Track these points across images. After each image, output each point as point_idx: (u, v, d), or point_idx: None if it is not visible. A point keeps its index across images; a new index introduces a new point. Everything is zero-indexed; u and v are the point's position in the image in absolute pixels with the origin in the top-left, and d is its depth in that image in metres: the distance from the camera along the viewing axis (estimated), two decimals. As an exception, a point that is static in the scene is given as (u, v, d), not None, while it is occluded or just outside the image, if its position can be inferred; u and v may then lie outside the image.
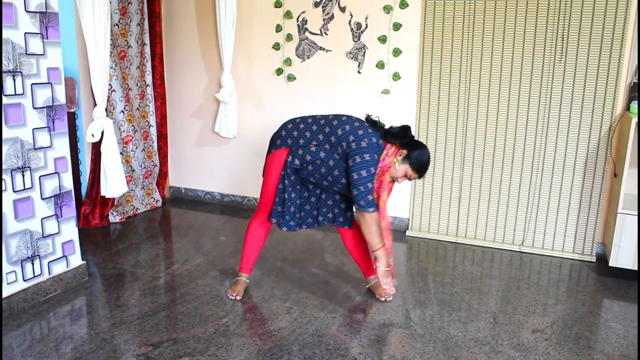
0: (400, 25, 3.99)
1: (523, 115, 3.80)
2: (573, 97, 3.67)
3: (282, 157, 2.84)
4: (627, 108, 3.57)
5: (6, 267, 2.82)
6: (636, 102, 3.42)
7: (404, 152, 2.78)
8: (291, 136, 2.83)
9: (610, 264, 3.45)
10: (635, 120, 3.22)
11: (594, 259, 3.80)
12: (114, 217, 4.35)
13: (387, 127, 2.86)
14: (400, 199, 4.28)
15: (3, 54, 2.67)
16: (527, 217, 3.94)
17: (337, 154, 2.73)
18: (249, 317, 2.90)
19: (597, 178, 3.71)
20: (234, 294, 3.09)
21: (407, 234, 4.25)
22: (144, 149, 4.67)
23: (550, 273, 3.59)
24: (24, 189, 2.87)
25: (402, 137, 2.78)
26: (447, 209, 4.14)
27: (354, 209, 2.96)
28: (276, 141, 2.88)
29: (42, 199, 2.99)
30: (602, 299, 3.23)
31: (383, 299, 3.09)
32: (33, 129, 2.87)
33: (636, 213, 3.33)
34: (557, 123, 3.74)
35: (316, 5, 4.21)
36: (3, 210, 2.77)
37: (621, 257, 3.41)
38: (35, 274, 3.00)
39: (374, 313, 2.97)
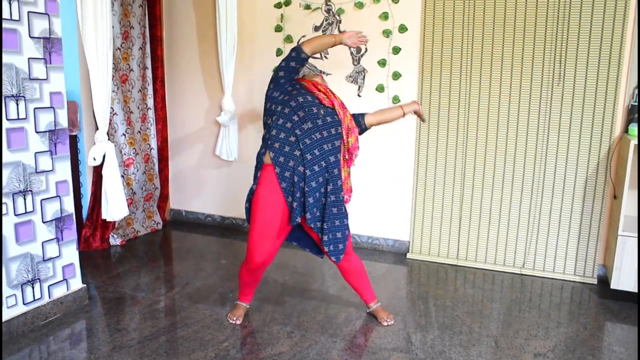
0: (400, 49, 4.04)
1: (522, 137, 3.82)
2: (572, 119, 3.69)
3: (267, 175, 2.82)
4: (626, 130, 3.59)
5: (6, 291, 2.82)
6: (635, 124, 3.44)
7: None
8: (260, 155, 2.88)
9: (612, 287, 3.44)
10: (634, 142, 3.24)
11: (595, 281, 3.79)
12: (114, 240, 4.35)
13: None
14: (401, 222, 4.29)
15: (7, 79, 2.70)
16: (528, 239, 3.93)
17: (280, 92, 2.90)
18: (249, 342, 2.89)
19: (597, 200, 3.72)
20: (234, 318, 3.08)
21: (407, 257, 4.24)
22: (145, 172, 4.68)
23: (551, 296, 3.58)
24: (25, 212, 2.88)
25: None
26: (447, 231, 4.13)
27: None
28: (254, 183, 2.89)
29: (43, 222, 2.99)
30: (604, 322, 3.21)
31: (385, 323, 3.08)
32: (35, 153, 2.89)
33: (637, 235, 3.33)
34: (557, 145, 3.76)
35: (316, 29, 4.26)
36: (4, 234, 2.77)
37: (623, 280, 3.40)
38: (36, 298, 2.99)
39: (374, 337, 2.95)
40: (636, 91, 3.51)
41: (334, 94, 2.95)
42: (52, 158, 3.00)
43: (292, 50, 2.88)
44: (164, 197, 4.95)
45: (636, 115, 3.49)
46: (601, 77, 3.58)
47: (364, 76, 4.18)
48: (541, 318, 3.23)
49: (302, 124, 2.77)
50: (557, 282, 3.82)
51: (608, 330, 3.13)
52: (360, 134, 3.02)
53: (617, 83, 3.55)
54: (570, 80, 3.66)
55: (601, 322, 3.22)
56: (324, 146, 2.79)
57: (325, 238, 2.86)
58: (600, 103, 3.61)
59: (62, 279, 3.16)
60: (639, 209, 3.35)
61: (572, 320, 3.22)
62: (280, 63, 2.91)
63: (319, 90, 2.91)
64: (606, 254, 3.77)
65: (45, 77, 2.91)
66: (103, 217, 3.60)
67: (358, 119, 3.05)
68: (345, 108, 2.96)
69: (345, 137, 2.89)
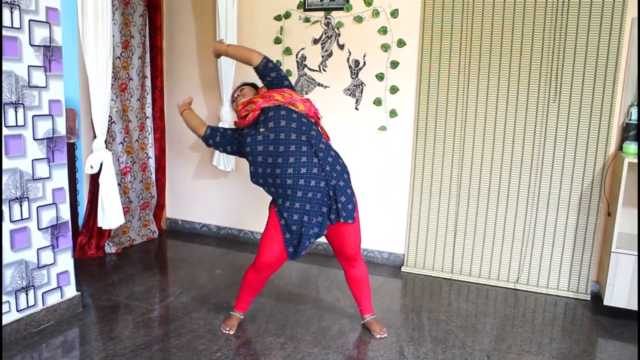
0: (398, 63, 4.07)
1: (518, 153, 3.85)
2: (567, 136, 3.72)
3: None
4: (620, 148, 3.62)
5: None
6: (629, 142, 3.46)
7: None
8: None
9: (605, 303, 3.45)
10: (627, 160, 3.26)
11: (588, 298, 3.80)
12: (110, 248, 4.35)
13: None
14: (396, 235, 4.30)
15: (6, 87, 2.72)
16: (522, 255, 3.95)
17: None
18: (242, 352, 2.89)
19: (592, 216, 3.74)
20: (228, 328, 3.08)
21: (402, 270, 4.25)
22: (141, 181, 4.69)
23: (545, 311, 3.59)
24: (21, 219, 2.89)
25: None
26: (442, 245, 4.15)
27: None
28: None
29: (39, 229, 3.00)
30: (596, 339, 3.22)
31: (378, 335, 3.08)
32: (33, 160, 2.90)
33: (630, 252, 3.34)
34: (552, 162, 3.78)
35: (315, 42, 4.29)
36: (-1, 240, 2.78)
37: (616, 296, 3.41)
38: (29, 305, 2.99)
39: (367, 350, 2.96)
40: (632, 109, 3.54)
41: (262, 94, 2.99)
42: (49, 165, 3.01)
43: (204, 140, 3.22)
44: (160, 206, 4.95)
45: (632, 133, 3.52)
46: (596, 94, 3.62)
47: (362, 90, 4.20)
48: (534, 333, 3.24)
49: (267, 157, 2.83)
50: (550, 297, 3.83)
51: (600, 346, 3.13)
52: (270, 71, 3.07)
53: (612, 101, 3.58)
54: (566, 97, 3.69)
55: (594, 338, 3.23)
56: (290, 159, 2.77)
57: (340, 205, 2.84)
58: (595, 120, 3.64)
59: (56, 286, 3.15)
60: (639, 228, 3.35)
61: (565, 336, 3.23)
62: (218, 148, 3.21)
63: (251, 107, 2.94)
64: (600, 271, 3.79)
65: (45, 85, 2.93)
66: (99, 225, 3.60)
67: (261, 69, 3.07)
68: (274, 92, 2.94)
69: (295, 108, 2.90)
